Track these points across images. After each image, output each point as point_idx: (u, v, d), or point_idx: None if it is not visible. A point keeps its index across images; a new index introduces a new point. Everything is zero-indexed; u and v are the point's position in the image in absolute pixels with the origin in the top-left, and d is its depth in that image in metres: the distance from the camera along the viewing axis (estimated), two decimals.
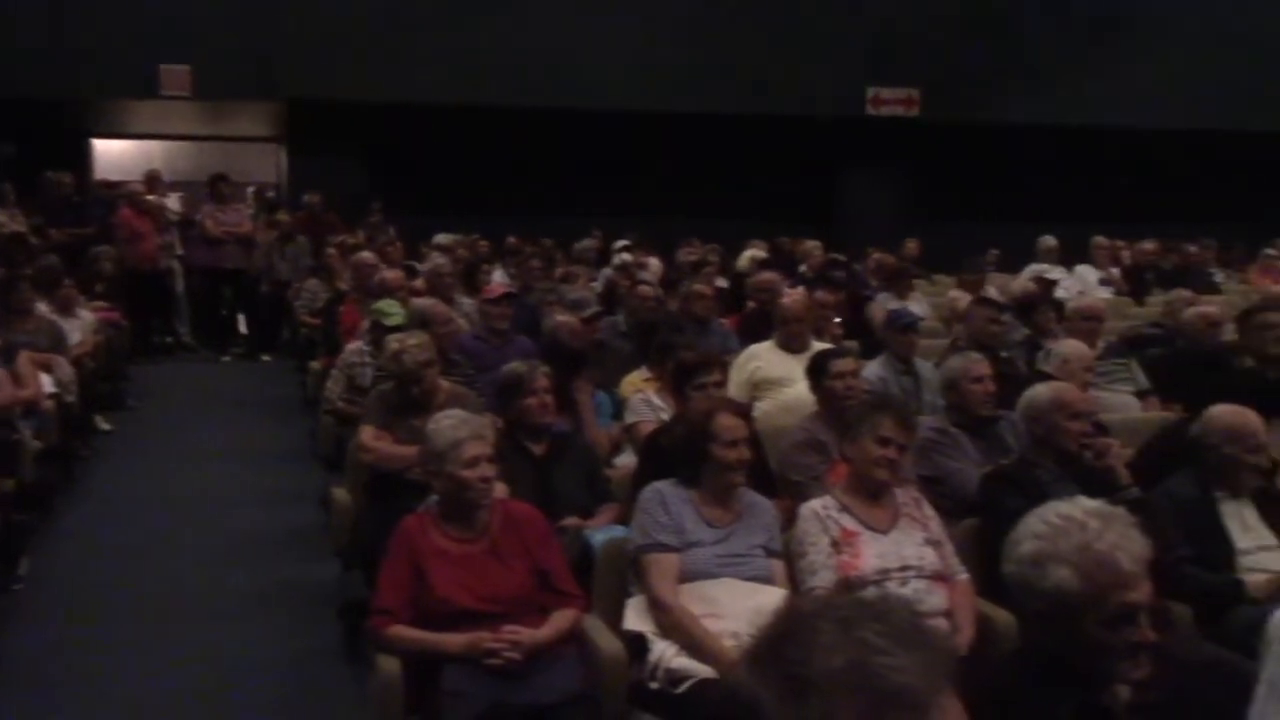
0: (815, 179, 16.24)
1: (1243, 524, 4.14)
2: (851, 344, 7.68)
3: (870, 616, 1.24)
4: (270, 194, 15.62)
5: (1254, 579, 3.97)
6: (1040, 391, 4.38)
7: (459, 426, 3.64)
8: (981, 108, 15.53)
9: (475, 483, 3.58)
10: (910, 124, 15.73)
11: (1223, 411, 4.19)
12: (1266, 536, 4.14)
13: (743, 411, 4.13)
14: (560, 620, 3.56)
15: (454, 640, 3.42)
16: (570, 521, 4.32)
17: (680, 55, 14.91)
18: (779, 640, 1.28)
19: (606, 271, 10.54)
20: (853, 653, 1.20)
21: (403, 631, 3.48)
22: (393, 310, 6.79)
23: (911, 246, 13.25)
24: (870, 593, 3.03)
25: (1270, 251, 13.10)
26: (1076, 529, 2.16)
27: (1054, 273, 11.40)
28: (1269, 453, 4.47)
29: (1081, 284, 11.15)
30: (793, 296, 7.30)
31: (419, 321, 6.23)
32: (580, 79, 14.57)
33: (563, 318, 6.58)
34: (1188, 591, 3.97)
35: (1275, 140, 16.30)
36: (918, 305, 9.16)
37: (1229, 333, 7.01)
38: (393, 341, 5.38)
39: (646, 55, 14.87)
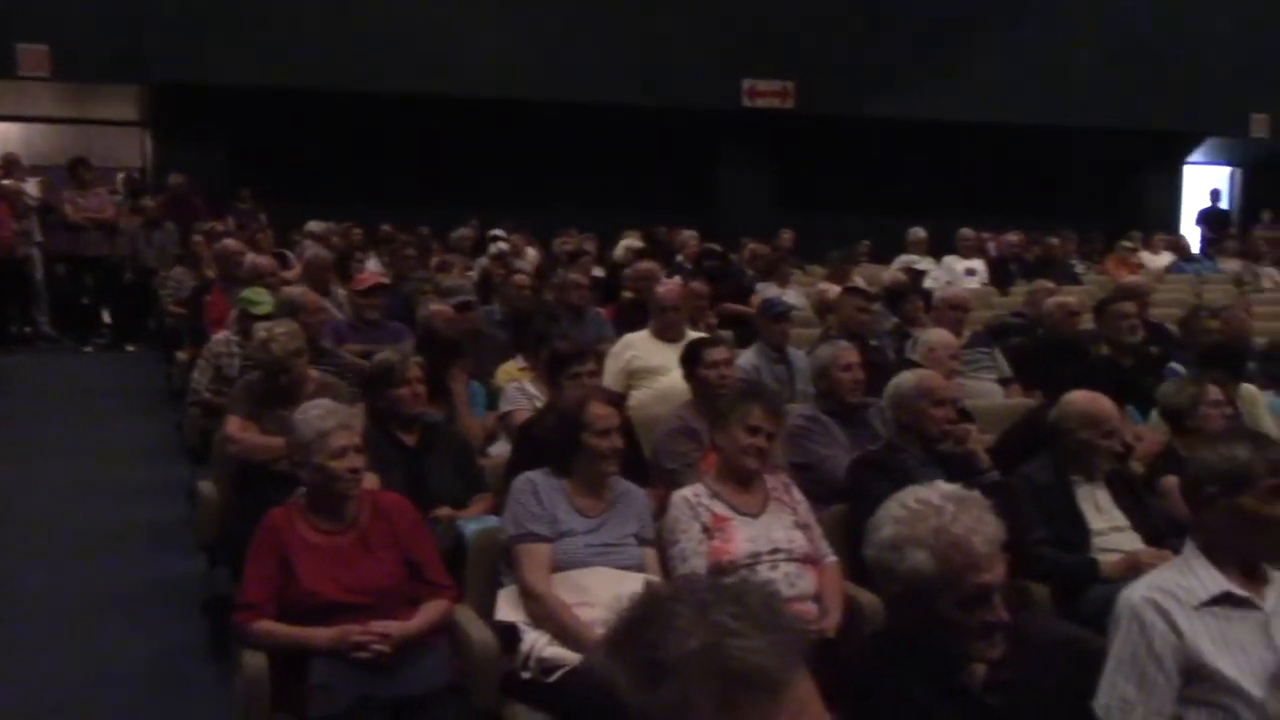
0: (692, 170, 16.36)
1: (1097, 506, 4.28)
2: (726, 333, 7.79)
3: (726, 599, 1.25)
4: (135, 177, 15.12)
5: (1107, 559, 4.10)
6: (906, 379, 4.48)
7: (326, 417, 3.58)
8: (854, 101, 15.80)
9: (343, 474, 3.52)
10: (785, 116, 15.92)
11: (1078, 398, 4.33)
12: (1119, 518, 4.28)
13: (615, 400, 4.14)
14: (430, 611, 3.53)
15: (321, 634, 3.37)
16: (442, 512, 4.28)
17: (558, 44, 14.87)
18: (635, 624, 1.28)
19: (482, 261, 10.47)
20: (708, 635, 1.21)
21: (269, 626, 3.41)
22: (261, 299, 6.64)
23: (786, 237, 13.43)
24: (729, 577, 3.07)
25: (1126, 244, 13.60)
26: (933, 513, 2.21)
27: (923, 264, 11.69)
28: (1122, 437, 4.66)
29: (949, 275, 11.42)
30: (668, 286, 7.34)
31: (289, 310, 6.11)
32: (457, 66, 14.41)
33: (437, 306, 6.52)
34: (1045, 572, 4.11)
35: (1132, 136, 16.95)
36: (791, 295, 9.28)
37: (1088, 322, 7.25)
38: (260, 330, 5.25)
39: (524, 43, 14.79)
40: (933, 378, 4.53)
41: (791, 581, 3.77)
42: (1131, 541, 4.17)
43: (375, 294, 6.99)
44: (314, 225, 11.97)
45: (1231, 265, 13.33)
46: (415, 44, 14.27)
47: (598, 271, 10.42)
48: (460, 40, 14.47)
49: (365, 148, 14.91)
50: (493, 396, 5.86)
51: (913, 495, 2.27)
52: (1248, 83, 17.47)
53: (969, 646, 2.23)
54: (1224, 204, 17.82)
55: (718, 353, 5.06)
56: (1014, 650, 2.32)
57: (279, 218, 12.50)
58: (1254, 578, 2.70)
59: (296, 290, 6.81)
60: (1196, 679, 2.57)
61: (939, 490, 2.26)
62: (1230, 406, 4.83)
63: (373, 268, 9.98)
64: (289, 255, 9.84)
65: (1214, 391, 4.72)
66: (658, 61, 15.15)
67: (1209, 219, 17.24)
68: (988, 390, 6.67)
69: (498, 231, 12.53)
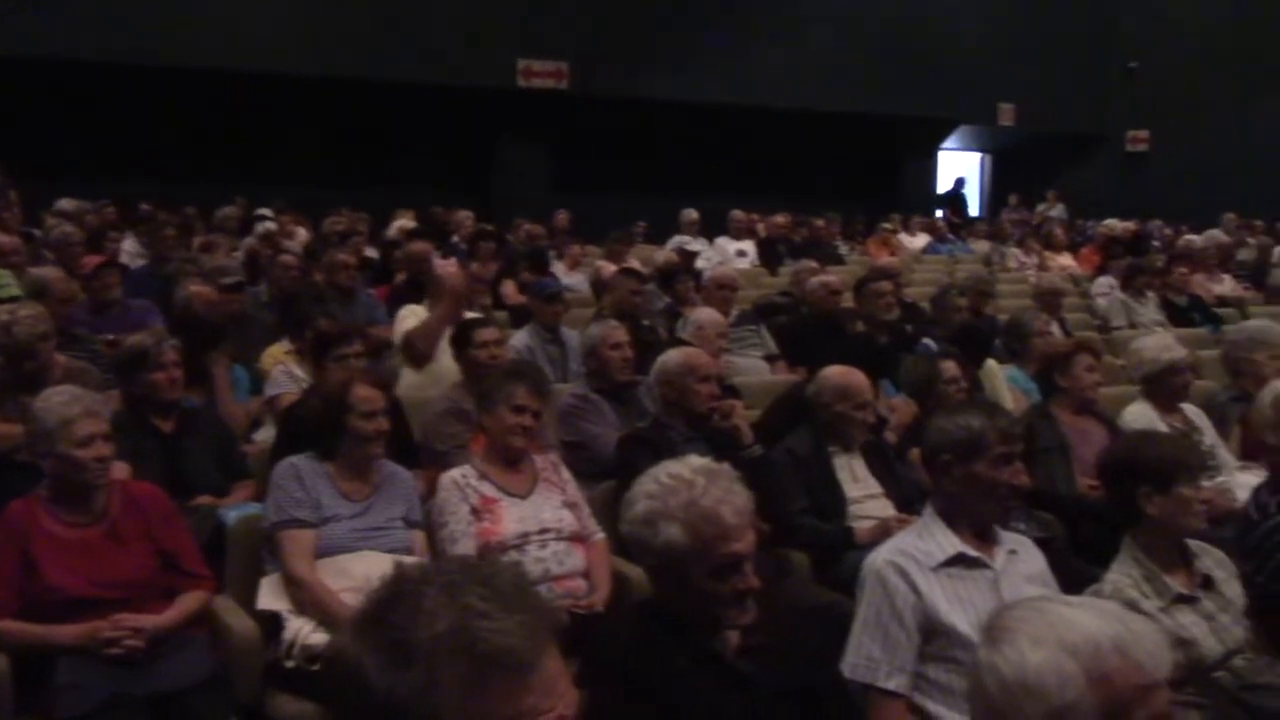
0: (468, 149, 16.23)
1: (853, 475, 4.48)
2: (500, 313, 7.78)
3: (475, 581, 1.26)
4: None
5: (862, 526, 4.30)
6: (671, 356, 4.57)
7: (70, 403, 3.41)
8: (628, 83, 15.98)
9: (89, 463, 3.36)
10: (560, 97, 15.96)
11: (833, 372, 4.51)
12: (874, 486, 4.49)
13: (381, 382, 4.08)
14: (187, 603, 3.42)
15: (68, 631, 3.22)
16: (202, 500, 4.15)
17: (330, 18, 14.49)
18: (383, 606, 1.28)
19: (249, 241, 10.10)
20: (456, 617, 1.22)
21: (8, 625, 3.24)
22: (4, 280, 6.25)
23: (562, 218, 13.47)
24: (485, 558, 3.10)
25: (886, 226, 14.21)
26: (684, 487, 2.27)
27: (695, 245, 11.92)
28: (875, 410, 4.89)
29: (720, 255, 11.69)
30: (445, 267, 7.27)
31: (36, 292, 5.77)
32: (224, 38, 13.86)
33: (197, 288, 6.27)
34: (804, 540, 4.28)
35: (891, 123, 17.73)
36: (565, 276, 9.33)
37: (849, 301, 7.55)
38: (3, 313, 4.94)
39: (295, 16, 14.35)
40: (697, 355, 4.64)
41: (560, 560, 3.81)
42: (885, 508, 4.36)
43: (102, 275, 6.67)
44: (65, 203, 11.29)
45: (981, 246, 14.09)
46: (180, 14, 13.65)
47: (371, 252, 10.24)
48: (228, 11, 13.93)
49: (125, 123, 14.15)
50: (258, 380, 5.69)
51: (665, 471, 2.33)
52: (996, 74, 18.54)
53: (722, 614, 2.32)
54: (966, 190, 18.83)
55: (487, 333, 5.04)
56: (769, 616, 2.42)
57: (29, 196, 11.72)
58: (985, 539, 2.89)
59: (49, 271, 6.44)
60: (934, 635, 2.73)
61: (690, 465, 2.33)
62: (968, 380, 5.12)
63: (129, 248, 9.51)
64: (35, 234, 9.26)
65: (951, 367, 4.99)
66: (432, 40, 14.95)
67: (949, 203, 18.16)
68: (755, 367, 6.87)
69: (265, 211, 12.13)
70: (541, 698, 1.23)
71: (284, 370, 5.36)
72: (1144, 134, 20.09)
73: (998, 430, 2.85)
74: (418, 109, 15.52)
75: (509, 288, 8.38)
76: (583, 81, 15.93)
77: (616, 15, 15.86)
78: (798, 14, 17.07)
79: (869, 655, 2.73)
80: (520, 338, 6.41)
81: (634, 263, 9.27)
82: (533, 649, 1.23)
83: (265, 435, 5.14)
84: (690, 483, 2.28)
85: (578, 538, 3.91)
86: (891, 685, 2.70)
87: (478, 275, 7.11)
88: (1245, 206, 15.81)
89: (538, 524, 3.83)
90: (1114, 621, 1.50)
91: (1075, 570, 3.59)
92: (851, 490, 4.42)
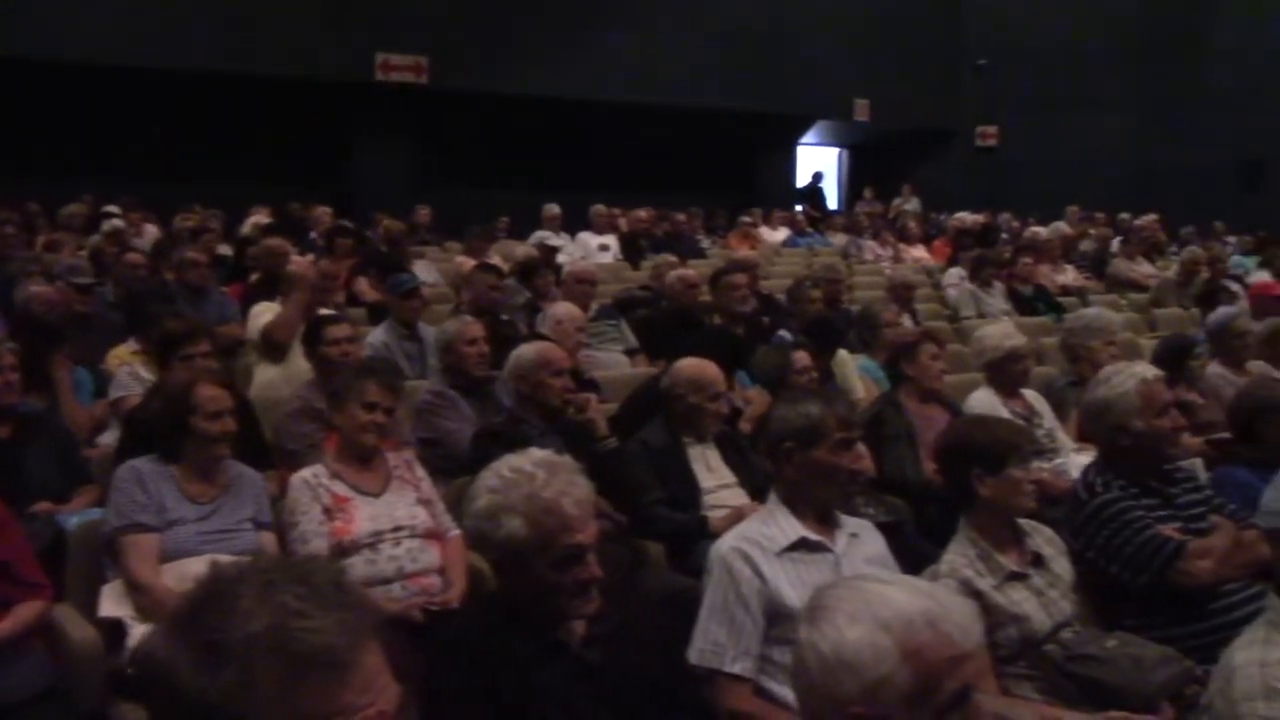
0: (326, 144, 15.95)
1: (707, 466, 4.54)
2: (358, 311, 7.68)
3: (291, 580, 1.26)
4: None
5: (716, 515, 4.36)
6: (525, 351, 4.58)
7: None
8: (488, 77, 15.87)
9: None
10: (420, 91, 15.79)
11: (686, 364, 4.57)
12: (728, 476, 4.56)
13: (227, 382, 4.00)
14: (22, 613, 3.29)
15: None
16: (41, 507, 4.02)
17: (181, 10, 14.04)
18: (198, 607, 1.27)
19: (94, 239, 9.79)
20: (271, 617, 1.22)
21: None
22: None
23: (423, 213, 13.35)
24: (298, 557, 3.07)
25: (746, 220, 14.41)
26: (525, 480, 2.30)
27: (557, 239, 11.93)
28: (730, 400, 4.97)
29: (583, 250, 11.73)
30: (300, 263, 7.15)
31: None
32: (70, 29, 13.30)
33: (37, 288, 6.05)
34: (660, 530, 4.33)
35: (750, 119, 17.98)
36: (426, 271, 9.26)
37: (708, 294, 7.64)
38: None
39: (143, 7, 13.87)
40: (552, 349, 4.65)
41: (415, 557, 3.79)
42: (739, 497, 4.43)
43: None
44: None
45: (839, 239, 14.40)
46: (21, 3, 13.08)
47: (225, 249, 10.01)
48: (73, 2, 13.39)
49: None
50: (103, 383, 5.53)
51: (506, 464, 2.35)
52: (851, 71, 18.95)
53: (565, 604, 2.34)
54: (824, 184, 19.22)
55: (339, 330, 4.99)
56: (615, 605, 2.45)
57: None
58: (827, 523, 2.98)
59: None
60: (778, 619, 2.80)
61: (530, 457, 2.35)
62: (819, 370, 5.24)
63: None
64: None
65: (803, 358, 5.11)
66: (287, 32, 14.64)
67: (807, 196, 18.50)
68: (615, 361, 6.92)
69: (112, 208, 11.74)
70: (360, 694, 1.23)
71: (129, 371, 5.23)
72: (993, 130, 20.75)
73: (837, 417, 2.93)
74: (273, 103, 15.19)
75: (364, 284, 8.28)
76: (442, 75, 15.78)
77: (476, 9, 15.74)
78: (655, 11, 17.19)
79: (715, 641, 2.79)
80: (377, 334, 6.35)
81: (495, 258, 9.25)
82: (350, 646, 1.23)
83: (110, 439, 5.00)
84: (531, 476, 2.30)
85: (432, 535, 3.89)
86: (737, 669, 2.76)
87: (328, 271, 6.99)
88: (1088, 200, 16.46)
89: (391, 522, 3.80)
90: (925, 597, 1.57)
91: (920, 552, 3.70)
92: (706, 480, 4.48)
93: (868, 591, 1.58)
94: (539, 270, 8.05)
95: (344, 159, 16.07)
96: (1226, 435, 4.55)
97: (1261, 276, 10.99)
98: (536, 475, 2.30)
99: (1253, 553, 3.21)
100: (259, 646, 1.21)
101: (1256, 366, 6.13)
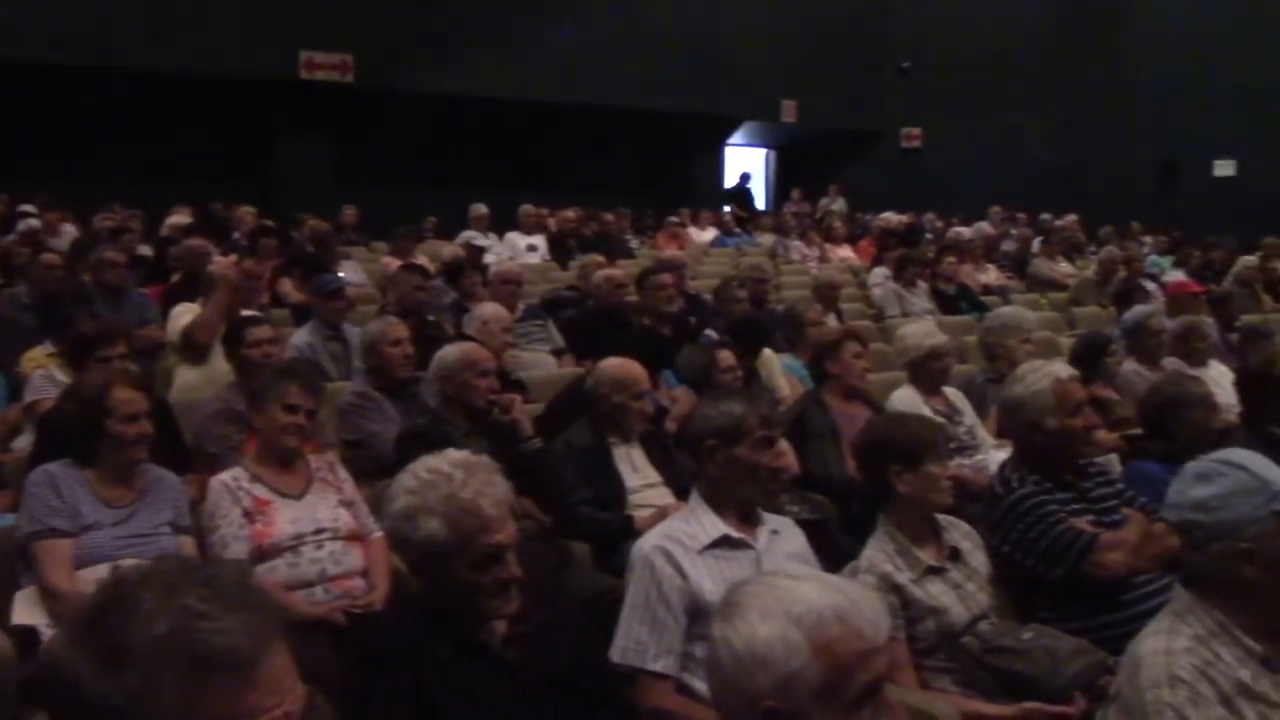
0: (250, 143, 15.73)
1: (632, 465, 4.55)
2: (282, 312, 7.60)
3: (195, 581, 1.25)
4: None
5: (641, 514, 4.37)
6: (449, 352, 4.56)
7: None
8: (415, 76, 15.77)
9: None
10: (345, 89, 15.63)
11: (610, 365, 4.58)
12: (653, 475, 4.57)
13: (143, 384, 3.93)
14: None
15: None
16: None
17: (101, 4, 13.75)
18: (100, 610, 1.26)
19: (6, 239, 9.57)
20: (174, 619, 1.21)
21: None
22: None
23: (349, 213, 13.23)
24: (202, 560, 3.03)
25: (675, 220, 14.45)
26: (443, 481, 2.29)
27: (484, 240, 11.88)
28: (654, 399, 4.98)
29: (511, 250, 11.69)
30: (222, 263, 7.05)
31: None
32: None
33: None
34: (585, 530, 4.33)
35: (678, 119, 18.03)
36: (351, 272, 9.18)
37: (635, 294, 7.65)
38: None
39: (61, 3, 13.57)
40: (476, 350, 4.64)
41: (338, 559, 3.76)
42: (664, 497, 4.45)
43: None
44: None
45: (767, 239, 14.49)
46: None
47: (146, 250, 9.84)
48: None
49: None
50: (18, 386, 5.41)
51: (424, 465, 2.35)
52: (779, 73, 19.09)
53: (485, 605, 2.34)
54: (752, 184, 19.33)
55: (260, 331, 4.94)
56: (537, 604, 2.45)
57: None
58: (749, 520, 3.00)
59: None
60: (700, 617, 2.81)
61: (448, 458, 2.35)
62: (744, 369, 5.28)
63: None
64: None
65: (728, 357, 5.14)
66: (210, 29, 14.41)
67: (735, 197, 18.60)
68: (541, 361, 6.91)
69: (28, 207, 11.49)
70: (266, 696, 1.23)
71: (44, 374, 5.12)
72: (917, 131, 21.02)
73: (758, 415, 2.96)
74: (196, 101, 14.96)
75: (288, 285, 8.19)
76: (368, 74, 15.63)
77: (403, 7, 15.62)
78: (583, 11, 17.18)
79: (637, 639, 2.80)
80: (301, 336, 6.30)
81: (421, 258, 9.19)
82: (255, 647, 1.23)
83: (24, 443, 4.90)
84: (449, 476, 2.30)
85: (356, 537, 3.86)
86: (659, 667, 2.77)
87: (251, 271, 6.91)
88: (1010, 200, 16.74)
89: (313, 524, 3.76)
90: (836, 592, 1.59)
91: (843, 548, 3.74)
92: (631, 480, 4.49)
93: (779, 588, 1.60)
94: (465, 270, 8.02)
95: (268, 158, 15.86)
96: (1140, 431, 4.65)
97: (1176, 275, 11.28)
98: (454, 476, 2.29)
99: (1162, 544, 3.29)
100: (162, 649, 1.19)
101: (1170, 363, 6.28)
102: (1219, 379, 5.97)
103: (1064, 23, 19.61)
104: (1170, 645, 2.28)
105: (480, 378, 4.48)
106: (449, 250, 9.95)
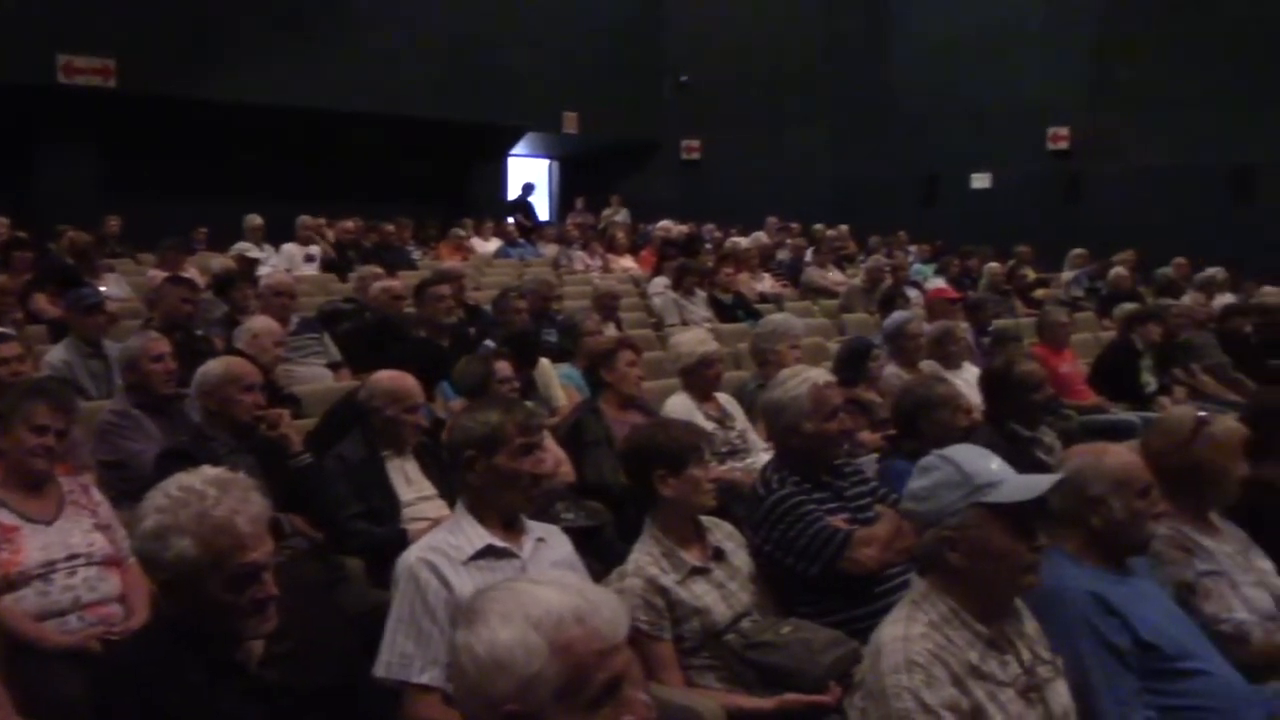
0: (5, 151, 14.81)
1: (407, 478, 4.52)
2: (37, 328, 7.23)
3: None
4: None
5: (415, 527, 4.34)
6: (212, 367, 4.44)
7: None
8: (183, 82, 15.16)
9: None
10: (109, 95, 14.90)
11: (382, 377, 4.55)
12: (428, 488, 4.56)
13: None
14: None
15: None
16: None
17: None
18: None
19: None
20: None
21: None
22: None
23: (113, 224, 12.66)
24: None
25: (459, 231, 14.38)
26: (195, 499, 2.24)
27: (259, 251, 11.56)
28: (429, 411, 4.96)
29: (288, 262, 11.41)
30: None
31: None
32: None
33: None
34: (358, 545, 4.28)
35: (460, 129, 17.93)
36: (115, 285, 8.80)
37: (413, 305, 7.58)
38: None
39: None
40: (240, 364, 4.53)
41: (93, 586, 3.61)
42: (439, 509, 4.43)
43: None
44: None
45: (550, 250, 14.57)
46: None
47: None
48: None
49: None
50: None
51: (175, 483, 2.29)
52: (560, 84, 19.22)
53: (241, 624, 2.30)
54: (535, 195, 19.37)
55: (7, 349, 4.70)
56: (299, 623, 2.42)
57: None
58: (513, 529, 3.03)
59: None
60: None
61: (202, 475, 2.30)
62: (521, 380, 5.31)
63: None
64: None
65: (505, 367, 5.17)
66: None
67: (518, 208, 18.62)
68: (317, 375, 6.78)
69: None
70: None
71: None
72: (696, 143, 21.46)
73: (515, 423, 2.99)
74: None
75: (43, 300, 7.79)
76: (133, 79, 14.92)
77: (169, 9, 14.99)
78: (359, 19, 16.88)
79: (403, 652, 2.79)
80: (57, 353, 6.02)
81: (191, 271, 8.89)
82: None
83: None
84: (202, 494, 2.25)
85: (112, 562, 3.71)
86: (426, 679, 2.76)
87: (2, 286, 6.55)
88: (785, 211, 17.30)
89: (65, 550, 3.60)
90: (574, 594, 1.64)
91: (618, 553, 3.80)
92: (405, 493, 4.47)
93: (519, 592, 1.64)
94: (236, 283, 7.80)
95: (25, 167, 14.95)
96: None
97: (937, 283, 11.89)
98: (207, 494, 2.25)
99: (911, 538, 3.46)
100: None
101: (927, 366, 6.62)
102: (971, 380, 6.32)
103: (833, 41, 20.42)
104: (908, 632, 2.43)
105: (245, 393, 4.37)
106: (219, 262, 9.65)
